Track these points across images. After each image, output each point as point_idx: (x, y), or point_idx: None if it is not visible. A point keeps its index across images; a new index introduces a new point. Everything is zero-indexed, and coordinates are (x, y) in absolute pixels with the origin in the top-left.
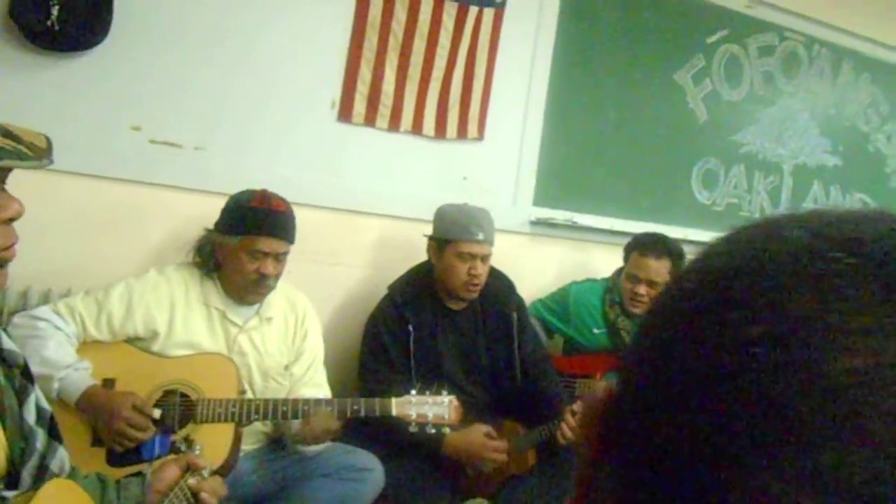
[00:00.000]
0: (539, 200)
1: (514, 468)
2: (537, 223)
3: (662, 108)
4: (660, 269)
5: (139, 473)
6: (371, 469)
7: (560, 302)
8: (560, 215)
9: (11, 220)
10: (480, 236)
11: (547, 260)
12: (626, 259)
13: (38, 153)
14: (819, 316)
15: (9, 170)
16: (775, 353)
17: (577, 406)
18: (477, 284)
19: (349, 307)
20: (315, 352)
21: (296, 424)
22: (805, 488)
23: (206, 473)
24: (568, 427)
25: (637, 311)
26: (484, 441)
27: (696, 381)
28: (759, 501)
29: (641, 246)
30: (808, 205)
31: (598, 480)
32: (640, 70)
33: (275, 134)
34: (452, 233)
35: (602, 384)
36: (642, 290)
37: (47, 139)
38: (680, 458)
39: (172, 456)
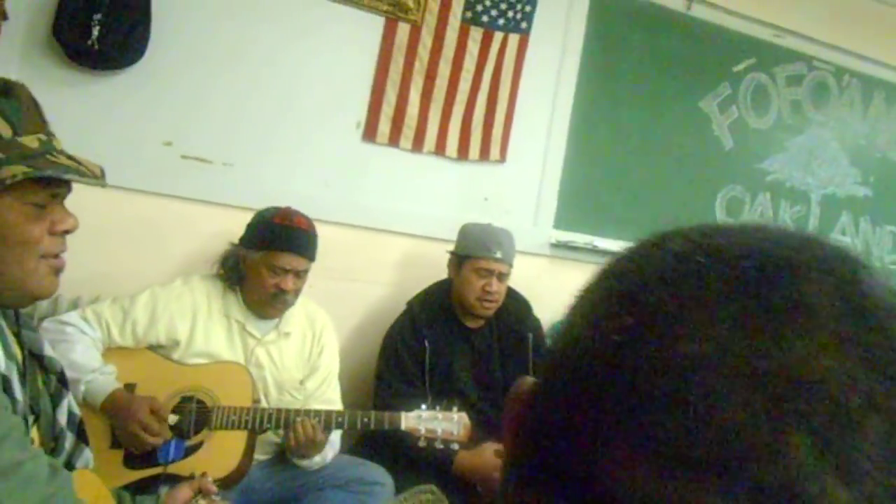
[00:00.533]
0: (560, 223)
1: None
2: (557, 246)
3: (687, 134)
4: None
5: (155, 491)
6: (382, 483)
7: None
8: (580, 238)
9: (66, 232)
10: (499, 254)
11: (566, 282)
12: None
13: (94, 175)
14: (672, 310)
15: (69, 187)
16: (636, 339)
17: None
18: (491, 301)
19: (369, 324)
20: (330, 368)
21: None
22: (643, 455)
23: (216, 498)
24: None
25: None
26: (495, 462)
27: (578, 366)
28: (613, 469)
29: None
30: (835, 235)
31: (515, 464)
32: (665, 96)
33: (301, 152)
34: (472, 249)
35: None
36: None
37: (101, 168)
38: (565, 431)
39: (186, 482)
